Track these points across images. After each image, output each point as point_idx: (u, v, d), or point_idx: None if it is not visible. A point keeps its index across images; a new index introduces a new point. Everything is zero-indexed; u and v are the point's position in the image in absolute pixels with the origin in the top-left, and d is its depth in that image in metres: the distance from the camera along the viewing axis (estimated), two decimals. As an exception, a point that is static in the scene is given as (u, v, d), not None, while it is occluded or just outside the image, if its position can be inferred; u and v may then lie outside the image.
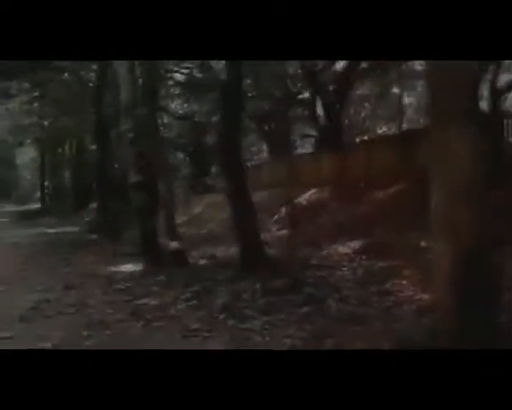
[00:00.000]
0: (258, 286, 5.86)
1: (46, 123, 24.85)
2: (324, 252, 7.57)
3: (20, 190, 39.42)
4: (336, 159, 12.89)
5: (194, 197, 17.43)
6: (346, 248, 7.44)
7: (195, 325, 4.46)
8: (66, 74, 17.20)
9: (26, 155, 35.33)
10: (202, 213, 15.27)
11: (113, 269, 7.92)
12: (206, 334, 4.23)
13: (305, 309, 4.82)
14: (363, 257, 6.74)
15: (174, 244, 9.92)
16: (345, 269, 6.39)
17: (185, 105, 21.19)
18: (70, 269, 8.07)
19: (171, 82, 17.45)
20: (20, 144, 31.09)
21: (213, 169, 22.15)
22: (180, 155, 23.87)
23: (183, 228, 12.02)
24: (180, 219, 12.69)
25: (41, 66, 14.19)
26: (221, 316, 4.77)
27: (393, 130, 20.33)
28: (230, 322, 4.58)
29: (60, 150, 27.12)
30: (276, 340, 3.98)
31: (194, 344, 3.96)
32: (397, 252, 6.54)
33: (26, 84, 20.00)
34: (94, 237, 12.68)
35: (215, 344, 3.94)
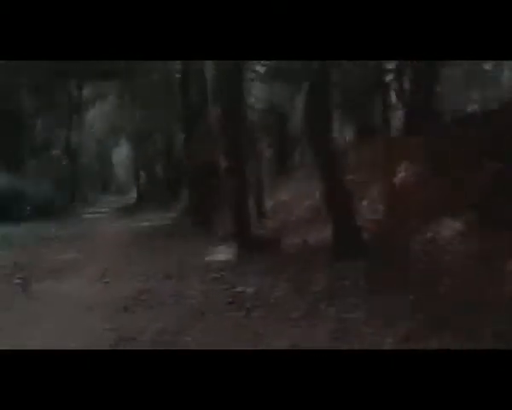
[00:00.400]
0: (358, 273, 5.54)
1: (138, 121, 26.07)
2: (428, 235, 7.00)
3: (118, 185, 41.94)
4: (427, 138, 12.06)
5: (280, 183, 17.31)
6: (452, 230, 6.81)
7: (296, 314, 4.27)
8: (154, 74, 17.80)
9: (121, 154, 37.46)
10: (289, 199, 15.11)
11: (209, 257, 7.99)
12: (310, 323, 4.02)
13: (413, 296, 4.44)
14: (475, 237, 6.10)
15: (266, 230, 9.85)
16: (454, 252, 5.83)
17: (268, 93, 21.10)
18: (167, 258, 8.26)
19: (253, 75, 17.43)
20: (116, 144, 32.99)
21: (298, 155, 21.91)
22: (264, 141, 23.91)
23: (271, 214, 11.93)
24: (268, 205, 12.60)
25: (129, 66, 14.77)
26: (322, 304, 4.54)
27: (484, 107, 18.67)
28: (333, 310, 4.33)
29: (151, 146, 28.32)
30: (385, 331, 3.66)
31: (298, 334, 3.77)
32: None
33: (117, 86, 21.09)
34: (188, 225, 13.01)
35: (320, 334, 3.72)
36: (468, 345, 3.18)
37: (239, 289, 5.53)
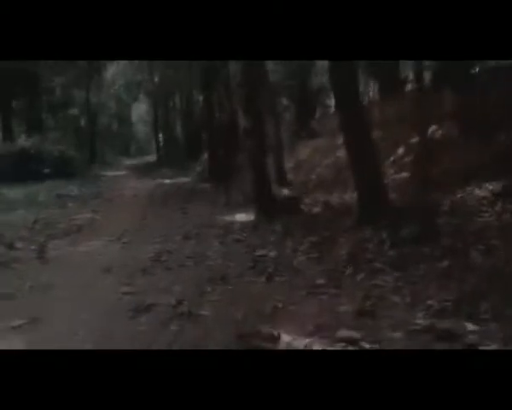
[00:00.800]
0: (384, 236, 5.29)
1: (156, 79, 25.67)
2: (457, 196, 6.69)
3: (137, 144, 41.82)
4: (457, 92, 11.44)
5: (299, 142, 16.91)
6: (483, 191, 6.49)
7: (321, 280, 4.08)
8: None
9: (141, 111, 37.18)
10: (309, 159, 14.76)
11: (228, 218, 7.83)
12: (334, 290, 3.83)
13: (444, 263, 4.19)
14: (508, 200, 5.79)
15: (286, 191, 9.62)
16: (486, 215, 5.54)
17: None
18: (187, 219, 8.13)
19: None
20: (135, 100, 32.67)
21: (318, 113, 21.33)
22: (284, 100, 23.35)
23: (290, 174, 11.68)
24: (287, 165, 12.33)
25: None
26: (348, 270, 4.33)
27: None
28: (359, 277, 4.13)
29: (171, 104, 27.97)
30: (416, 300, 3.45)
31: (324, 302, 3.59)
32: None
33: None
34: (206, 186, 12.86)
35: (346, 303, 3.53)
36: (499, 323, 2.98)
37: (260, 252, 5.36)
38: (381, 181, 6.65)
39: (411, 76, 20.28)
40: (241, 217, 7.89)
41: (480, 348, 2.69)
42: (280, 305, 3.51)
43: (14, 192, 11.69)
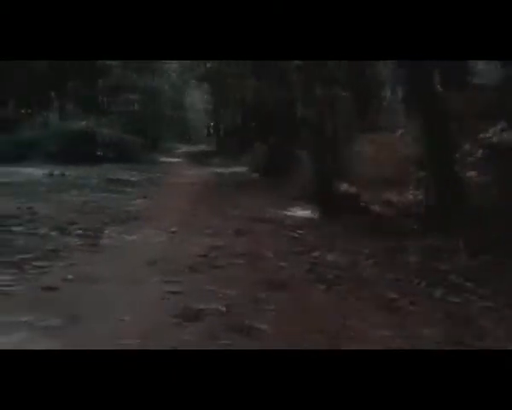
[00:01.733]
0: (460, 244, 4.68)
1: (209, 65, 25.40)
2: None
3: (192, 131, 41.87)
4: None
5: (357, 136, 16.15)
6: None
7: (393, 294, 3.53)
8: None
9: (196, 98, 37.17)
10: (368, 153, 14.03)
11: (283, 213, 7.38)
12: (410, 307, 3.29)
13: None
14: None
15: (346, 187, 9.05)
16: None
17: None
18: (239, 212, 7.74)
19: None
20: (190, 86, 32.68)
21: (375, 105, 20.39)
22: (341, 91, 22.52)
23: (349, 169, 11.04)
24: (348, 161, 11.69)
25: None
26: (422, 283, 3.77)
27: None
28: (438, 293, 3.56)
29: (227, 92, 27.68)
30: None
31: (400, 322, 3.05)
32: None
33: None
34: (261, 177, 12.44)
35: (426, 324, 2.98)
36: None
37: (317, 254, 4.87)
38: (456, 181, 5.99)
39: (477, 69, 19.01)
40: (296, 212, 7.42)
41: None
42: (347, 322, 3.01)
43: (68, 173, 11.75)
